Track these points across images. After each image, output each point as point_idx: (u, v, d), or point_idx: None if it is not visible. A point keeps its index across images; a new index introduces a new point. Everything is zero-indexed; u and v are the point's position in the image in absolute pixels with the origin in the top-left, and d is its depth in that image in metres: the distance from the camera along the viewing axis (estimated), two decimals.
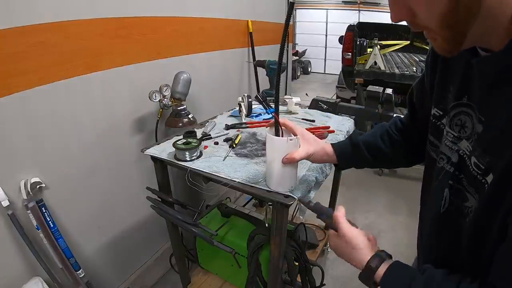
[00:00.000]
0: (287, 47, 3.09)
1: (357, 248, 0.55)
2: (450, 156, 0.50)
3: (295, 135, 0.69)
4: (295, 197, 0.75)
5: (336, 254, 0.60)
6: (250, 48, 2.26)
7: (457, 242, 0.49)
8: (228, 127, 1.21)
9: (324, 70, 9.04)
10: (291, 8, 0.51)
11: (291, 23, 2.98)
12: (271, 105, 1.10)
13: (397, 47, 4.31)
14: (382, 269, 0.51)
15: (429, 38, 0.42)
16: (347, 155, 0.72)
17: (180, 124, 1.37)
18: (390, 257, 0.54)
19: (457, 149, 0.48)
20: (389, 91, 2.65)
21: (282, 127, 0.71)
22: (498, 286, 0.39)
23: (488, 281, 0.41)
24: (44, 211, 1.04)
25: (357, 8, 7.75)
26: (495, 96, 0.40)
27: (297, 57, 7.79)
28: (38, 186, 1.02)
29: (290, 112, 1.42)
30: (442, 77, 0.53)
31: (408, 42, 4.33)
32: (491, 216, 0.40)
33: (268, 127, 0.73)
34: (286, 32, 0.54)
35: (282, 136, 0.70)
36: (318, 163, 0.81)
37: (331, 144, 0.74)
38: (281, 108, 1.51)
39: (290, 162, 0.70)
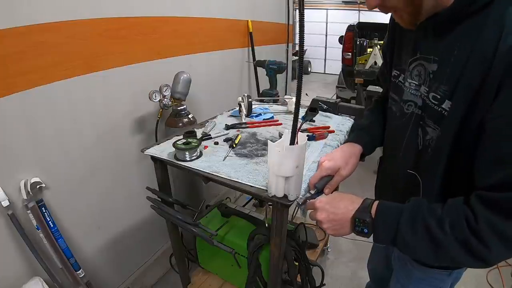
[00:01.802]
0: (287, 47, 3.09)
1: (346, 195, 0.65)
2: (416, 102, 0.64)
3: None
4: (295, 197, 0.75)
5: (323, 215, 0.65)
6: (250, 48, 2.26)
7: (432, 174, 0.61)
8: (228, 127, 1.21)
9: (324, 70, 9.05)
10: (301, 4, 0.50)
11: (291, 23, 2.98)
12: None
13: None
14: (375, 204, 0.60)
15: (396, 16, 0.57)
16: (368, 142, 0.84)
17: (180, 124, 1.37)
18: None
19: (420, 94, 0.62)
20: None
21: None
22: (487, 184, 0.49)
23: (475, 192, 0.51)
24: (44, 211, 1.04)
25: (357, 8, 7.75)
26: (445, 38, 0.54)
27: (297, 57, 7.79)
28: (38, 186, 1.02)
29: (290, 112, 1.42)
30: (398, 46, 0.70)
31: None
32: (459, 133, 0.53)
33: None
34: (302, 30, 0.50)
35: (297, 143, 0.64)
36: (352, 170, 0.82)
37: (348, 142, 0.84)
38: (281, 108, 1.51)
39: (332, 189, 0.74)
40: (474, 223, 0.48)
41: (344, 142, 0.84)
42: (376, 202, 0.60)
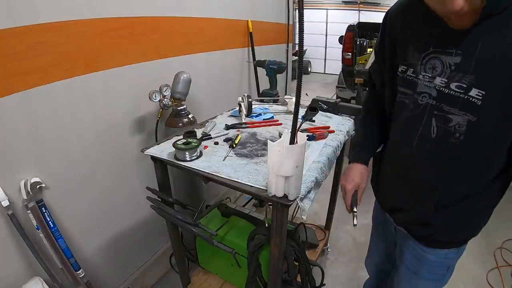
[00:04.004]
0: (287, 47, 3.09)
1: None
2: (430, 93, 0.67)
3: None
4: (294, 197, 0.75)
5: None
6: (250, 48, 2.26)
7: (455, 158, 0.67)
8: (228, 127, 1.21)
9: (324, 70, 9.05)
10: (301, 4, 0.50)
11: (291, 23, 2.98)
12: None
13: None
14: None
15: (458, 15, 0.58)
16: (370, 155, 0.95)
17: (180, 124, 1.37)
18: None
19: (434, 86, 0.66)
20: None
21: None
22: None
23: None
24: (44, 211, 1.04)
25: (357, 8, 7.75)
26: (468, 33, 0.59)
27: (297, 57, 7.79)
28: (38, 186, 1.02)
29: (290, 112, 1.42)
30: (402, 43, 0.73)
31: None
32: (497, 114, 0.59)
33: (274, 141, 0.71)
34: (302, 30, 0.51)
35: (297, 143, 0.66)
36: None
37: (353, 163, 0.93)
38: (281, 108, 1.51)
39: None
40: None
41: (349, 161, 0.95)
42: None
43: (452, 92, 0.63)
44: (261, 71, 1.93)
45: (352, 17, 7.57)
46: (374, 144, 0.94)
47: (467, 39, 0.59)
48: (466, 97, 0.61)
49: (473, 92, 0.60)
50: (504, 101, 0.57)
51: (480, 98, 0.59)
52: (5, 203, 0.92)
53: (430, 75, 0.67)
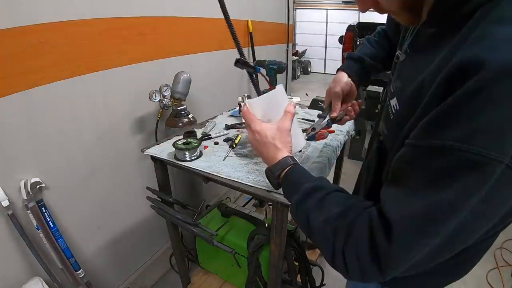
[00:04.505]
0: (287, 47, 3.09)
1: (271, 144, 0.60)
2: (391, 85, 0.60)
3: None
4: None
5: (250, 139, 0.64)
6: (250, 48, 2.26)
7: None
8: (228, 127, 1.21)
9: (324, 70, 9.04)
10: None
11: (291, 23, 2.98)
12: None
13: None
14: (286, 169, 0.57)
15: (393, 15, 0.51)
16: (360, 72, 0.83)
17: (180, 124, 1.37)
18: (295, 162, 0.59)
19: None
20: None
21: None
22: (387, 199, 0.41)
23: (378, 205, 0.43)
24: (44, 211, 1.04)
25: (357, 8, 7.74)
26: (423, 37, 0.51)
27: (297, 57, 7.79)
28: (38, 186, 1.02)
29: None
30: (404, 31, 0.64)
31: None
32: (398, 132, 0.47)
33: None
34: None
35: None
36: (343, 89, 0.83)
37: (341, 69, 0.83)
38: None
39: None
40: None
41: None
42: (287, 169, 0.57)
43: (391, 90, 0.56)
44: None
45: (352, 17, 7.56)
46: (370, 61, 0.82)
47: (424, 41, 0.51)
48: (388, 103, 0.55)
49: (393, 102, 0.52)
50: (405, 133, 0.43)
51: (394, 112, 0.51)
52: (5, 203, 0.92)
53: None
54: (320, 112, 0.82)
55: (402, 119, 0.45)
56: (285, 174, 0.57)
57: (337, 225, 0.44)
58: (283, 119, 0.62)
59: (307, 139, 0.82)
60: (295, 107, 0.65)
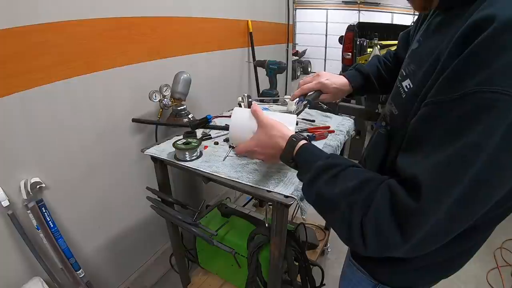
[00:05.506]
0: (287, 47, 3.09)
1: (270, 138, 0.62)
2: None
3: None
4: (295, 197, 0.75)
5: (260, 157, 0.66)
6: (250, 48, 2.26)
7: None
8: (228, 127, 1.20)
9: (324, 70, 9.03)
10: None
11: (291, 23, 2.97)
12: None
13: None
14: (299, 144, 0.58)
15: (409, 1, 0.55)
16: (360, 86, 0.91)
17: None
18: (305, 138, 0.60)
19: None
20: None
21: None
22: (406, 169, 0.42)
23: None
24: (44, 211, 1.04)
25: (357, 8, 7.75)
26: (433, 25, 0.54)
27: (297, 57, 7.79)
28: (38, 186, 1.02)
29: (290, 112, 1.42)
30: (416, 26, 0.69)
31: None
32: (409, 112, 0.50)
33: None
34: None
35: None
36: (333, 94, 0.92)
37: (344, 75, 0.91)
38: (281, 108, 1.51)
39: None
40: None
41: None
42: (298, 145, 0.58)
43: (403, 74, 0.59)
44: (261, 71, 1.93)
45: (352, 17, 7.56)
46: (372, 72, 0.90)
47: (432, 28, 0.55)
48: (399, 85, 0.59)
49: (406, 83, 0.56)
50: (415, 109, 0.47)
51: (406, 91, 0.55)
52: (5, 203, 0.92)
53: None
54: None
55: (418, 90, 0.48)
56: (296, 155, 0.58)
57: (353, 198, 0.45)
58: (257, 119, 0.66)
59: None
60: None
